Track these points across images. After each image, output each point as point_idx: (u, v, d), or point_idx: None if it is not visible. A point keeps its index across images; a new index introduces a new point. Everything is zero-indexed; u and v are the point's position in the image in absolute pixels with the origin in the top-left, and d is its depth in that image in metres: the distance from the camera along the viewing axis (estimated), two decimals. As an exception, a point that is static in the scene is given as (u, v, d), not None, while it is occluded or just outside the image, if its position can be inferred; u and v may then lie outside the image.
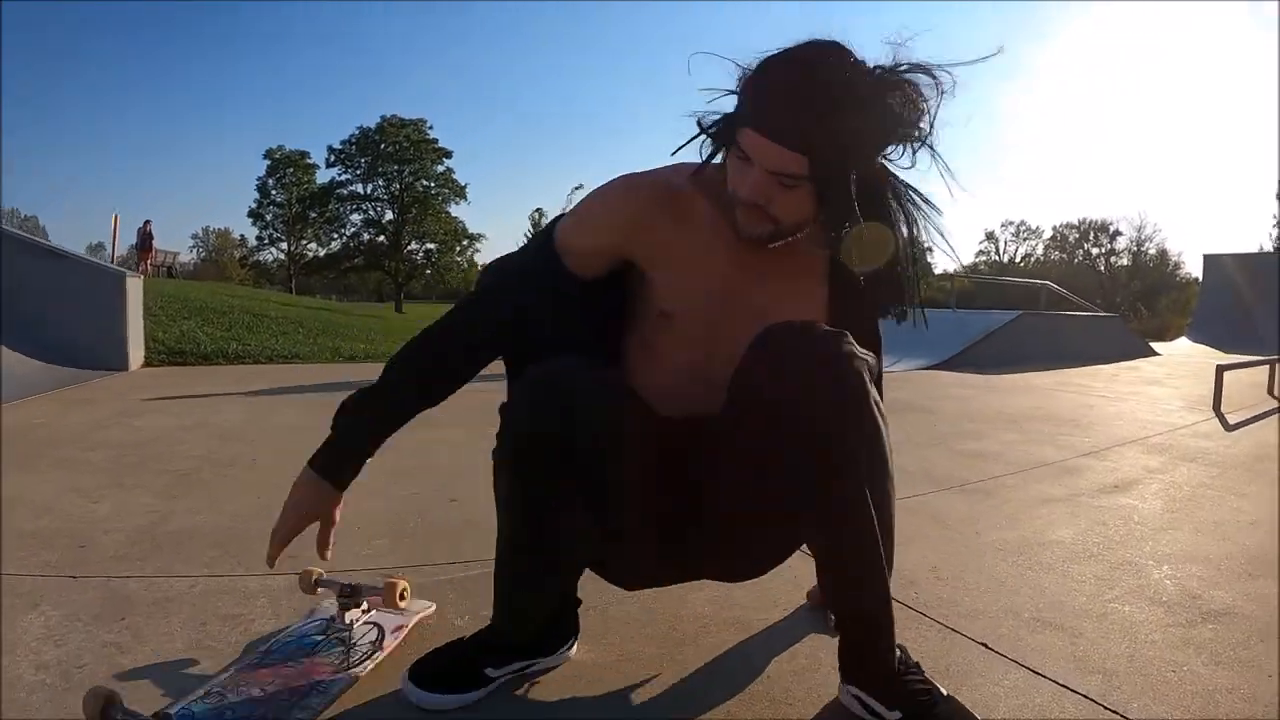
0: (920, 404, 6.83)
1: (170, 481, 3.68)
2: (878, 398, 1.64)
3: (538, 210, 78.25)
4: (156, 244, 31.11)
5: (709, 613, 2.29)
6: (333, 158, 72.24)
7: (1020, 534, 3.17)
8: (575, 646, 2.01)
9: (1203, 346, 18.92)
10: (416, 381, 1.86)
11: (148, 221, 29.69)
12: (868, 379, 1.58)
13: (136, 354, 9.27)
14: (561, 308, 1.80)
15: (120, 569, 2.56)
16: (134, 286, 9.50)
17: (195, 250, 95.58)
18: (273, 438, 4.80)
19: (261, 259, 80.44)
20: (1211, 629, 2.26)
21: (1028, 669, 1.97)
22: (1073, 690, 1.86)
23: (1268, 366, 9.13)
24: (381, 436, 1.83)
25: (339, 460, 1.82)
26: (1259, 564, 2.89)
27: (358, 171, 72.51)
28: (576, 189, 44.60)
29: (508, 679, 1.86)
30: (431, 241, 73.10)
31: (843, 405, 1.56)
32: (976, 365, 10.55)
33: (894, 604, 1.68)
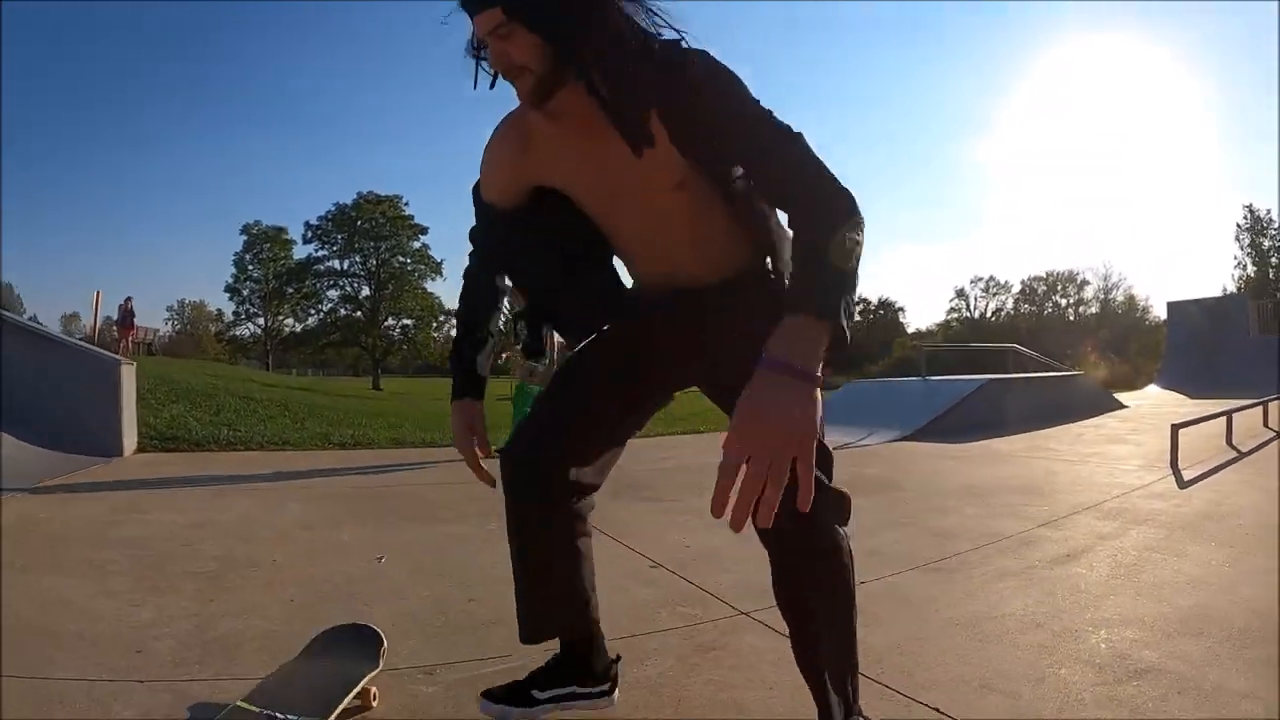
0: (892, 479, 7.13)
1: (200, 585, 3.91)
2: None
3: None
4: (136, 320, 31.36)
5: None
6: (309, 234, 72.83)
7: (975, 609, 3.47)
8: (614, 697, 2.39)
9: (1171, 393, 19.42)
10: (475, 321, 2.36)
11: (129, 299, 29.99)
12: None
13: (130, 440, 9.53)
14: (526, 238, 2.15)
15: (180, 673, 2.83)
16: (128, 373, 9.79)
17: (171, 323, 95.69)
18: (286, 536, 5.01)
19: (238, 333, 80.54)
20: (1135, 686, 2.61)
21: (972, 729, 2.30)
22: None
23: (1224, 419, 9.55)
24: (481, 356, 2.34)
25: (465, 383, 2.30)
26: (1190, 622, 3.24)
27: (334, 248, 73.06)
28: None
29: (550, 704, 2.30)
30: (408, 317, 73.54)
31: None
32: (946, 435, 10.80)
33: (863, 678, 2.08)
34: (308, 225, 73.07)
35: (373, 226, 71.93)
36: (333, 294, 74.21)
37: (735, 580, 3.88)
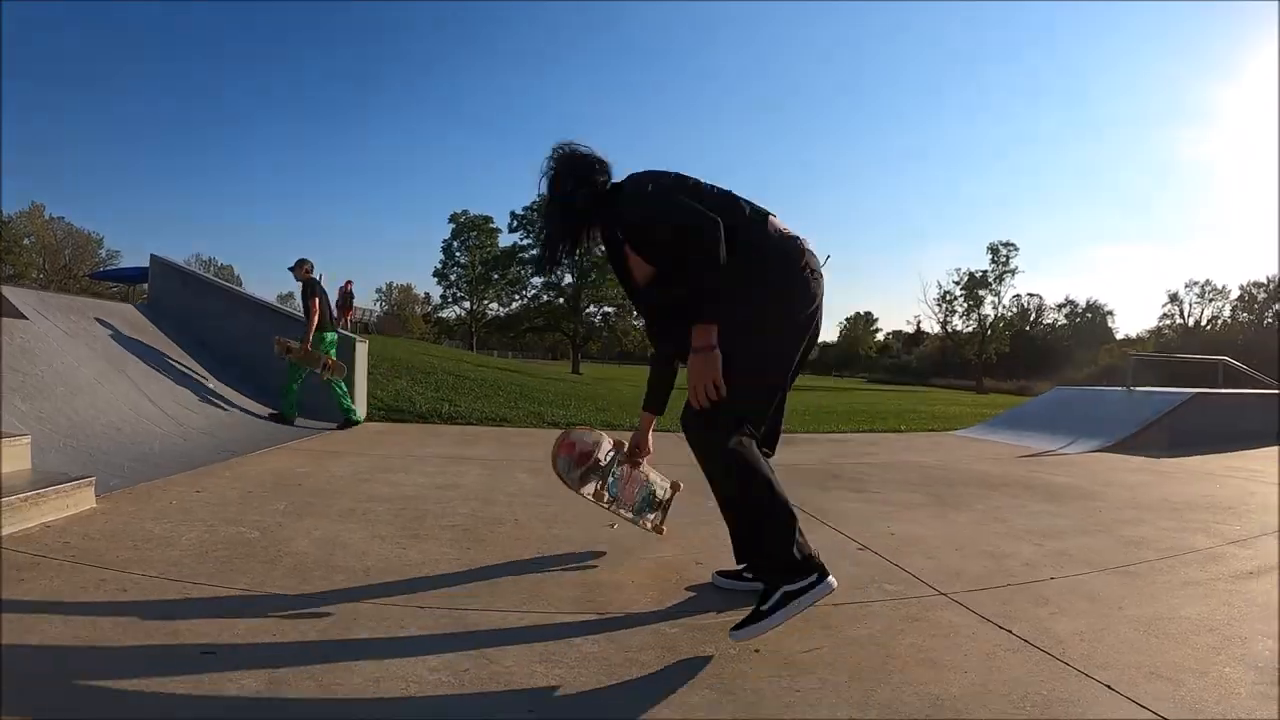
0: (1089, 489, 6.87)
1: (456, 536, 4.40)
2: (726, 448, 3.08)
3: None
4: (355, 302, 33.28)
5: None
6: (514, 223, 75.00)
7: (1155, 610, 3.55)
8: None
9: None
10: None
11: (349, 281, 31.82)
12: (707, 443, 3.11)
13: (361, 409, 10.40)
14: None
15: (452, 602, 3.29)
16: (362, 349, 10.65)
17: (379, 304, 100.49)
18: (522, 502, 5.45)
19: (444, 316, 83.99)
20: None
21: (1137, 704, 2.55)
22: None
23: None
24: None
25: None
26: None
27: (539, 236, 74.68)
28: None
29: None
30: (609, 305, 74.77)
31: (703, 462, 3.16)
32: (1147, 448, 10.29)
33: (1043, 654, 2.88)
34: (513, 215, 75.45)
35: (577, 216, 73.04)
36: (536, 281, 76.60)
37: (936, 566, 4.17)
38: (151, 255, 12.20)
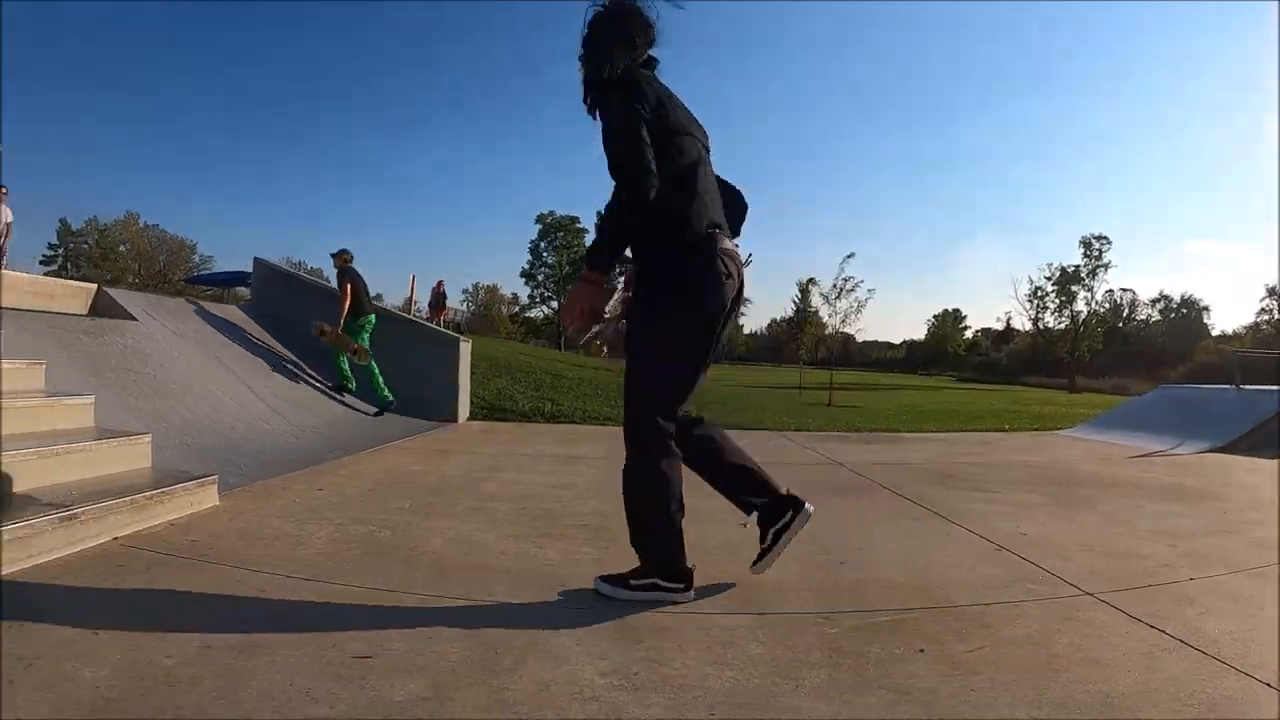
0: (1208, 490, 6.55)
1: (589, 535, 4.28)
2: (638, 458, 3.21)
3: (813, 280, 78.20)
4: (447, 302, 33.69)
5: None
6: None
7: None
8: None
9: None
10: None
11: (440, 281, 32.18)
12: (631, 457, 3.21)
13: (464, 407, 10.42)
14: None
15: (618, 605, 3.14)
16: (465, 349, 10.63)
17: (465, 304, 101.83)
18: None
19: (531, 315, 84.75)
20: None
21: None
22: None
23: None
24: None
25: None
26: None
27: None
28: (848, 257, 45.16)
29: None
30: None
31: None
32: (1266, 449, 9.77)
33: (1200, 654, 2.80)
34: (599, 214, 75.74)
35: (659, 214, 73.13)
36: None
37: (1074, 566, 4.00)
38: (255, 258, 12.52)
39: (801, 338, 55.63)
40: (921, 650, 2.77)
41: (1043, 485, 6.53)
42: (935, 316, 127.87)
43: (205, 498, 4.43)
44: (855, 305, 47.23)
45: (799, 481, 3.85)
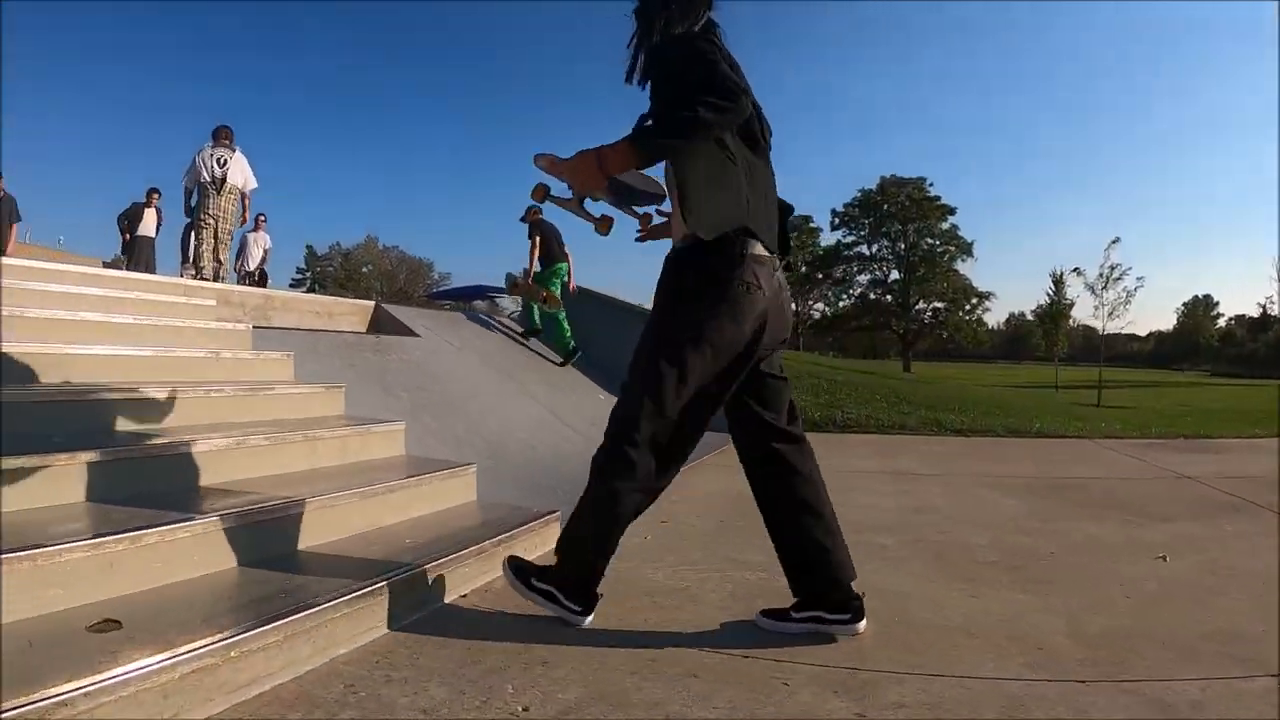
0: None
1: (1007, 575, 3.62)
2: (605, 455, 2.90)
3: (1077, 269, 74.92)
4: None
5: None
6: (836, 220, 74.32)
7: None
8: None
9: None
10: None
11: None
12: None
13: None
14: None
15: (1107, 671, 2.53)
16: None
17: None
18: (1026, 529, 4.57)
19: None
20: None
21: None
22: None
23: None
24: None
25: None
26: None
27: (862, 233, 73.86)
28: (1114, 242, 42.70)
29: None
30: (939, 300, 72.26)
31: None
32: None
33: None
34: (834, 212, 74.70)
35: (899, 209, 71.80)
36: (862, 278, 75.40)
37: None
38: (507, 274, 13.36)
39: (1057, 333, 52.47)
40: None
41: None
42: (1184, 304, 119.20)
43: (549, 536, 3.80)
44: (1125, 295, 43.74)
45: (1162, 499, 3.12)
